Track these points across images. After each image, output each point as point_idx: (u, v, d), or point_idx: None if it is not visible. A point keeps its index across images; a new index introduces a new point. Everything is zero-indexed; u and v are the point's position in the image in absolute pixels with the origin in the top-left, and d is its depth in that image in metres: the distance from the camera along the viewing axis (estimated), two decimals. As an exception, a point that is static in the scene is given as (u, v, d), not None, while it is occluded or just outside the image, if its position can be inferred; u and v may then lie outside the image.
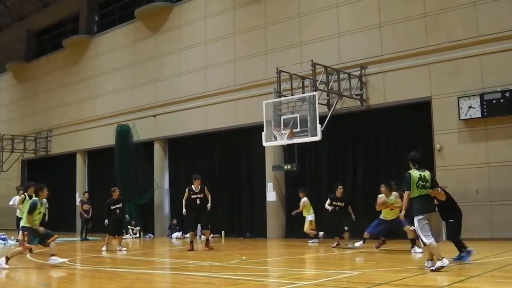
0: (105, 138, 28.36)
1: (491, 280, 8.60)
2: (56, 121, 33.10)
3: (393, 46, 19.04)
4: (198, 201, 16.49)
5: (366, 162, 20.01)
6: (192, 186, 16.61)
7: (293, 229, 20.93)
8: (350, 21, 20.20)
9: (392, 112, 19.13)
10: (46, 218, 21.36)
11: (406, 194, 10.17)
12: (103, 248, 17.04)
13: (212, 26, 24.78)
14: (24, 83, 37.23)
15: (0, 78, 39.96)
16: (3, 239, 21.42)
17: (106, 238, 17.60)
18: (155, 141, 26.70)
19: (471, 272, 9.47)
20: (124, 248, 17.09)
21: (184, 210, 16.63)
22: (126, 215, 18.54)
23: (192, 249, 16.15)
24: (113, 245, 17.69)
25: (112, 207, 17.54)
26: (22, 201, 15.42)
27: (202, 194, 16.56)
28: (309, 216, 18.49)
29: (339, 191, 16.96)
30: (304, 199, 18.60)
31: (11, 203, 22.99)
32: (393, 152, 19.30)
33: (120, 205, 17.66)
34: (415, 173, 10.04)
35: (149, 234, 25.34)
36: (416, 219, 9.86)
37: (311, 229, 18.44)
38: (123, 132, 27.04)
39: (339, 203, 16.96)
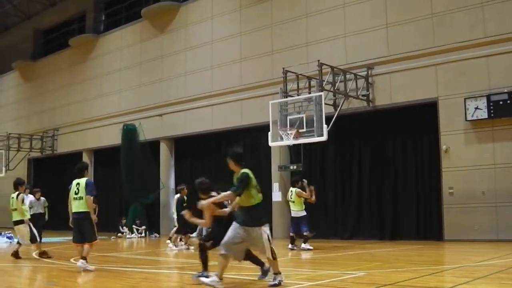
0: (111, 137, 28.41)
1: (497, 282, 8.57)
2: (63, 120, 33.19)
3: (400, 46, 19.01)
4: None
5: (372, 163, 19.96)
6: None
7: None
8: (357, 21, 20.17)
9: (398, 112, 19.10)
10: (46, 217, 21.49)
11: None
12: (172, 246, 17.37)
13: (218, 26, 24.80)
14: (31, 82, 37.33)
15: (7, 77, 40.09)
16: (9, 238, 21.47)
17: (173, 236, 17.95)
18: (161, 140, 26.72)
19: (477, 273, 9.43)
20: (192, 247, 17.06)
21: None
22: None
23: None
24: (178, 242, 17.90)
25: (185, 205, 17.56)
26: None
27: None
28: None
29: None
30: None
31: (17, 201, 23.04)
32: (400, 153, 19.28)
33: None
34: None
35: (155, 234, 25.37)
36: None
37: None
38: (129, 132, 27.07)
39: None
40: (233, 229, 8.18)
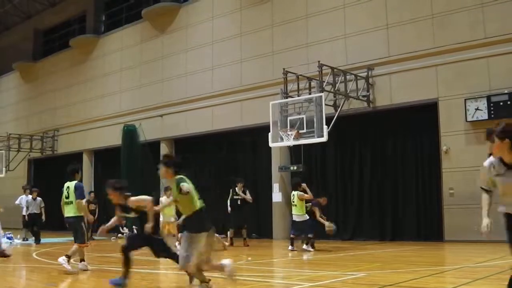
0: (112, 138, 28.41)
1: (497, 283, 8.55)
2: (63, 121, 33.21)
3: (400, 47, 19.02)
4: (239, 202, 18.76)
5: (372, 164, 19.97)
6: (236, 188, 18.64)
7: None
8: (357, 22, 20.19)
9: (398, 113, 19.11)
10: (43, 218, 21.51)
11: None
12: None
13: (219, 27, 24.81)
14: (31, 82, 37.34)
15: (8, 77, 40.10)
16: (9, 238, 21.45)
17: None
18: (161, 141, 26.72)
19: (477, 274, 9.44)
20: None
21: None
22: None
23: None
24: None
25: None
26: None
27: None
28: None
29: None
30: None
31: (17, 202, 23.11)
32: (400, 154, 19.28)
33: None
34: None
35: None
36: None
37: None
38: (130, 132, 27.05)
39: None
40: (184, 241, 7.85)
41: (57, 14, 36.17)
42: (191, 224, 7.75)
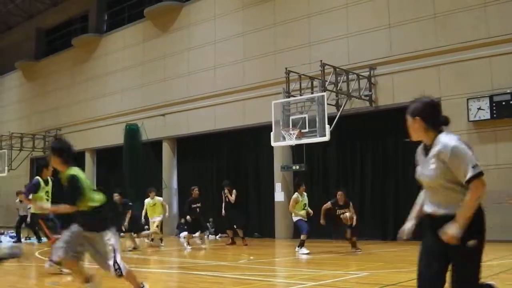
0: (114, 137, 28.46)
1: (500, 283, 8.53)
2: (65, 120, 33.26)
3: (402, 47, 19.00)
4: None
5: (374, 163, 19.97)
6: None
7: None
8: (360, 21, 20.18)
9: (401, 113, 18.53)
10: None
11: None
12: (186, 246, 17.37)
13: (221, 26, 24.82)
14: (34, 81, 37.41)
15: (10, 76, 40.17)
16: (11, 237, 21.52)
17: (186, 236, 18.38)
18: (163, 140, 26.75)
19: (484, 273, 9.39)
20: (204, 245, 17.40)
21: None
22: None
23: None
24: (192, 242, 18.11)
25: (193, 206, 17.88)
26: None
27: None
28: None
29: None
30: None
31: (19, 201, 23.14)
32: (401, 153, 19.27)
33: (200, 204, 18.01)
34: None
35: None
36: None
37: None
38: (132, 131, 27.11)
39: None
40: (72, 232, 6.83)
41: (59, 13, 36.20)
42: (87, 222, 6.76)
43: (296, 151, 20.94)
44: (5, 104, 40.24)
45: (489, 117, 16.74)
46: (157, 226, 18.51)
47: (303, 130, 17.74)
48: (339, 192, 15.24)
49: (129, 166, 26.55)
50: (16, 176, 32.59)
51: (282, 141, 18.42)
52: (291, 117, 18.31)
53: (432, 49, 18.26)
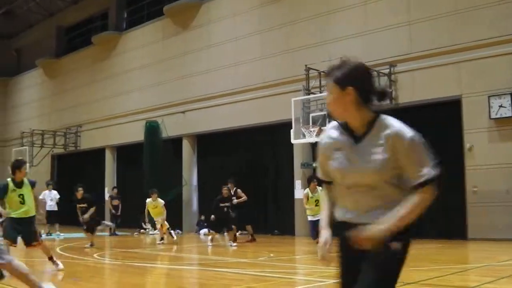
0: (134, 134, 28.59)
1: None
2: (86, 117, 33.43)
3: (422, 44, 18.88)
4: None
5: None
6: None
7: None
8: (378, 18, 20.07)
9: (421, 110, 18.97)
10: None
11: None
12: (209, 243, 17.39)
13: (240, 23, 24.82)
14: (55, 79, 37.66)
15: (31, 74, 40.48)
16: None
17: (209, 233, 18.62)
18: (183, 137, 26.82)
19: (501, 273, 9.38)
20: (235, 244, 17.11)
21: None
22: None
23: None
24: (217, 239, 18.37)
25: (221, 205, 17.87)
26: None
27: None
28: None
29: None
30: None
31: (41, 197, 23.44)
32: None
33: (228, 203, 17.99)
34: None
35: (177, 230, 25.45)
36: None
37: None
38: (152, 128, 27.23)
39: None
40: None
41: (79, 11, 36.39)
42: None
43: (315, 148, 20.85)
44: (27, 101, 40.57)
45: (510, 114, 16.59)
46: (161, 225, 18.89)
47: (323, 127, 17.73)
48: None
49: (149, 163, 26.68)
50: (37, 173, 32.78)
51: (302, 139, 18.44)
52: (311, 115, 18.32)
53: (452, 46, 18.12)
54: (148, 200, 19.15)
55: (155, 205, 18.94)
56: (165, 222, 18.94)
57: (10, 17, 40.31)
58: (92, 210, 17.23)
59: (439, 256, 13.18)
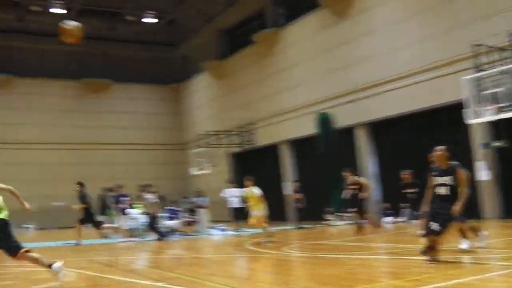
0: (306, 127, 29.11)
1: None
2: (256, 115, 34.44)
3: None
4: None
5: None
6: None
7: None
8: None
9: None
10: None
11: None
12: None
13: (401, 4, 24.55)
14: (221, 80, 39.22)
15: (199, 78, 42.48)
16: (222, 230, 22.99)
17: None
18: (355, 126, 26.89)
19: None
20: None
21: None
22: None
23: None
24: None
25: (404, 191, 18.09)
26: None
27: None
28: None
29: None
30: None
31: (222, 194, 24.73)
32: None
33: (413, 189, 17.92)
34: None
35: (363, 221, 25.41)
36: None
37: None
38: (324, 120, 27.66)
39: None
40: None
41: (236, 12, 37.59)
42: None
43: (494, 127, 20.03)
44: (198, 104, 42.63)
45: None
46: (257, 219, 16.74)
47: (499, 105, 17.13)
48: None
49: (325, 154, 26.89)
50: (216, 172, 34.18)
51: (478, 118, 17.86)
52: (484, 92, 17.73)
53: None
54: (244, 189, 17.60)
55: (250, 194, 16.81)
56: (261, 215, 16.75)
57: (173, 26, 42.46)
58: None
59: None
